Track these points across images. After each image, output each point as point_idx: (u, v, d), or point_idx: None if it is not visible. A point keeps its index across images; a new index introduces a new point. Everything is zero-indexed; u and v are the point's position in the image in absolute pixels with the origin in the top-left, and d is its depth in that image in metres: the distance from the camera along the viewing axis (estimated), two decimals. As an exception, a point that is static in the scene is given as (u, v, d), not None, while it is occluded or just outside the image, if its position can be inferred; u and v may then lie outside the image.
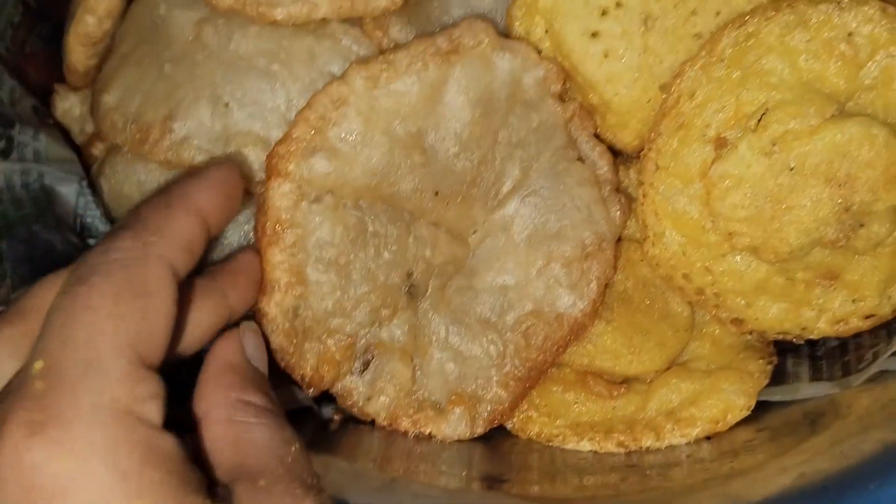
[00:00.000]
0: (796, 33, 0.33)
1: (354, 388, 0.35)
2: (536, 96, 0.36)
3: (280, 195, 0.31)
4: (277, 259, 0.31)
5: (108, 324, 0.23)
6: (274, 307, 0.31)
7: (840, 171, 0.32)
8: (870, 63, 0.32)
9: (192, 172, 0.29)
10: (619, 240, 0.37)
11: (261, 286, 0.31)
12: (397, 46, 0.34)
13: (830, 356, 0.37)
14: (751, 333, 0.37)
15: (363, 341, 0.34)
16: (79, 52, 0.37)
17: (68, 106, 0.39)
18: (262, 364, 0.29)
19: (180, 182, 0.28)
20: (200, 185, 0.28)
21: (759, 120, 0.33)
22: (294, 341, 0.32)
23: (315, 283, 0.32)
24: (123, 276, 0.24)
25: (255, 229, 0.32)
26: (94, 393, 0.22)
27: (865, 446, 0.30)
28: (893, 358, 0.33)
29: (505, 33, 0.37)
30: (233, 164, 0.31)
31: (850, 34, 0.32)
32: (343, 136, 0.32)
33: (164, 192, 0.27)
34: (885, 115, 0.33)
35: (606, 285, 0.36)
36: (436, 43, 0.33)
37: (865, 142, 0.32)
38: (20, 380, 0.22)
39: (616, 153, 0.38)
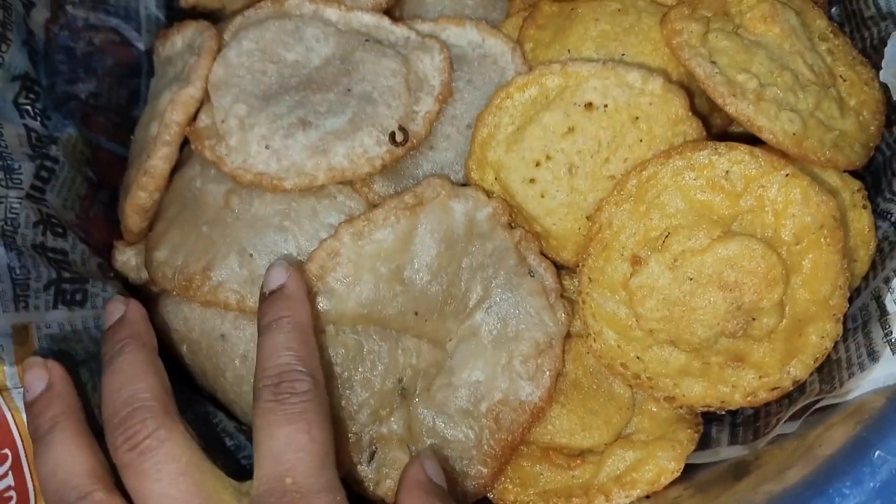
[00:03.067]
0: (686, 174, 0.42)
1: (364, 476, 0.44)
2: (489, 228, 0.45)
3: (292, 331, 0.41)
4: (292, 382, 0.40)
5: None
6: (292, 418, 0.40)
7: (730, 278, 0.41)
8: (745, 194, 0.41)
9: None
10: (569, 336, 0.46)
11: None
12: (376, 204, 0.44)
13: (746, 423, 0.45)
14: (681, 407, 0.45)
15: (367, 436, 0.43)
16: (134, 218, 0.47)
17: (126, 258, 0.48)
18: (441, 481, 0.39)
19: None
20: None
21: (664, 241, 0.42)
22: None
23: (324, 394, 0.41)
24: None
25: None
26: None
27: (787, 480, 0.38)
28: (786, 424, 0.41)
29: (464, 181, 0.47)
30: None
31: (727, 172, 0.41)
32: (338, 279, 0.42)
33: None
34: (761, 232, 0.42)
35: (558, 375, 0.45)
36: (404, 199, 0.43)
37: (747, 255, 0.41)
38: None
39: (560, 266, 0.47)
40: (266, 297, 0.40)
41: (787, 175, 0.41)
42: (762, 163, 0.41)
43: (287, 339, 0.38)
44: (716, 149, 0.41)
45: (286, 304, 0.39)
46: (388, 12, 0.53)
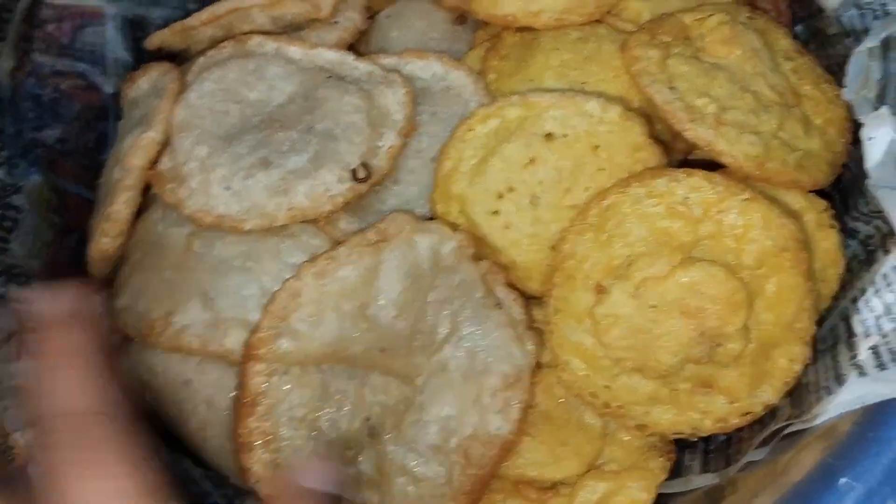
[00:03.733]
0: (645, 202, 0.42)
1: (334, 518, 0.43)
2: (455, 261, 0.45)
3: (253, 374, 0.40)
4: (252, 426, 0.40)
5: None
6: (255, 463, 0.40)
7: (692, 305, 0.41)
8: (705, 220, 0.41)
9: None
10: (539, 367, 0.46)
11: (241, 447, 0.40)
12: (338, 241, 0.44)
13: (719, 450, 0.44)
14: (653, 435, 0.45)
15: (336, 477, 0.43)
16: (98, 264, 0.47)
17: (93, 304, 0.48)
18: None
19: None
20: None
21: (626, 269, 0.42)
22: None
23: (289, 437, 0.41)
24: None
25: (235, 400, 0.41)
26: None
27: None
28: (756, 451, 0.41)
29: (430, 215, 0.47)
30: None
31: (686, 199, 0.41)
32: (301, 319, 0.42)
33: None
34: (723, 258, 0.41)
35: (528, 408, 0.45)
36: (367, 236, 0.43)
37: (707, 281, 0.41)
38: None
39: (528, 297, 0.47)
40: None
41: (745, 199, 0.41)
42: (720, 188, 0.41)
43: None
44: (674, 176, 0.41)
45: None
46: (353, 47, 0.53)
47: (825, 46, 0.52)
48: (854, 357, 0.39)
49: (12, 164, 0.48)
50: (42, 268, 0.48)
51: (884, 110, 0.43)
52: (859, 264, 0.44)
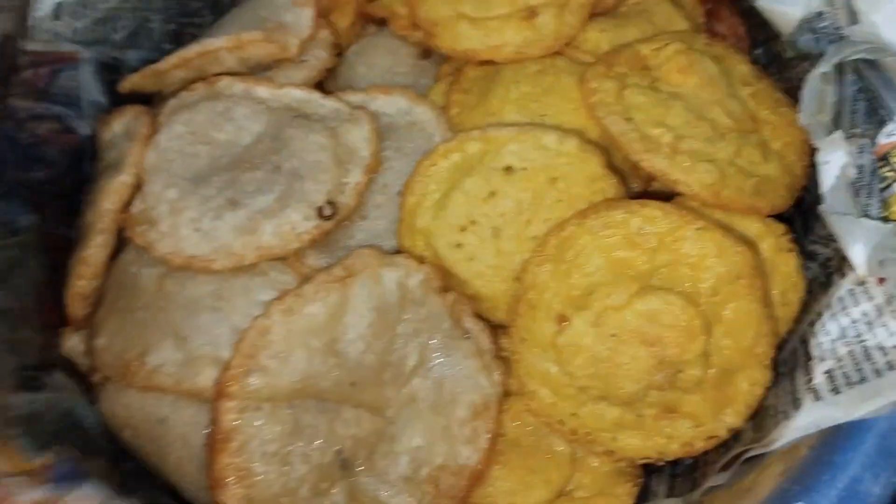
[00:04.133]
0: (602, 232, 0.43)
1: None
2: (422, 294, 0.46)
3: (225, 411, 0.41)
4: (226, 462, 0.41)
5: None
6: (230, 499, 0.41)
7: (650, 333, 0.42)
8: (660, 249, 0.42)
9: None
10: (508, 395, 0.47)
11: (215, 483, 0.41)
12: (306, 278, 0.45)
13: (685, 473, 0.45)
14: (621, 461, 0.45)
15: (309, 511, 0.44)
16: (75, 305, 0.48)
17: (72, 344, 0.49)
18: None
19: None
20: None
21: (586, 299, 0.43)
22: (252, 522, 0.41)
23: (262, 473, 0.42)
24: None
25: (208, 437, 0.42)
26: None
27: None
28: (719, 475, 0.41)
29: (397, 249, 0.48)
30: None
31: (641, 229, 0.42)
32: (271, 356, 0.43)
33: None
34: (679, 286, 0.42)
35: (496, 437, 0.45)
36: (333, 272, 0.44)
37: (664, 309, 0.41)
38: None
39: (497, 326, 0.47)
40: None
41: (698, 229, 0.41)
42: (673, 218, 0.42)
43: None
44: (629, 207, 0.42)
45: None
46: (322, 83, 0.54)
47: (784, 70, 0.53)
48: (810, 381, 0.40)
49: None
50: (32, 308, 0.49)
51: (837, 135, 0.44)
52: (819, 287, 0.45)
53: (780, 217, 0.47)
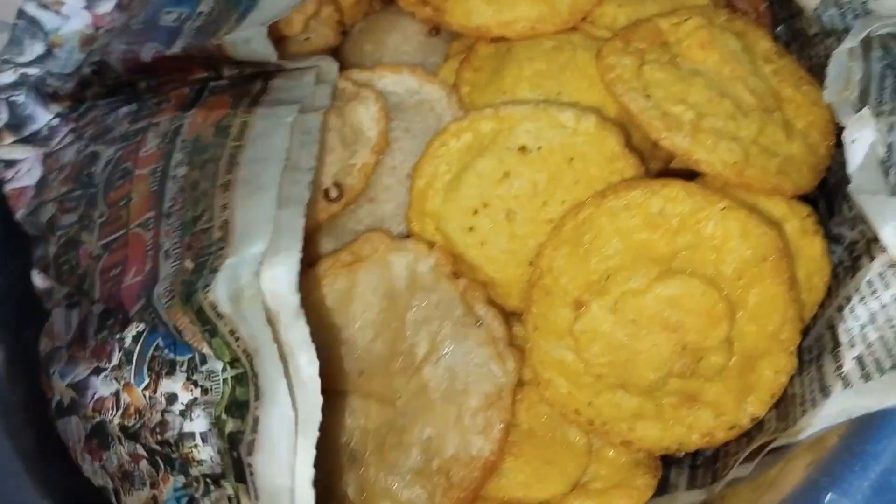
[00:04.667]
0: (621, 214, 0.41)
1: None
2: (432, 279, 0.44)
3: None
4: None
5: None
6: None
7: (671, 318, 0.40)
8: (682, 231, 0.40)
9: None
10: (522, 384, 0.45)
11: None
12: (311, 263, 0.43)
13: (705, 465, 0.44)
14: (639, 452, 0.44)
15: None
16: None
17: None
18: None
19: None
20: None
21: (604, 284, 0.41)
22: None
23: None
24: None
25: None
26: None
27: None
28: (742, 467, 0.40)
29: (407, 233, 0.46)
30: None
31: (662, 210, 0.40)
32: (275, 344, 0.41)
33: None
34: (702, 270, 0.40)
35: (509, 427, 0.44)
36: (340, 258, 0.42)
37: (686, 294, 0.40)
38: None
39: (510, 313, 0.46)
40: None
41: (722, 209, 0.40)
42: (696, 198, 0.40)
43: None
44: (649, 187, 0.40)
45: None
46: (327, 63, 0.52)
47: (807, 47, 0.51)
48: (839, 368, 0.38)
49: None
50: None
51: (865, 112, 0.42)
52: (845, 271, 0.43)
53: (803, 199, 0.46)
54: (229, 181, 0.35)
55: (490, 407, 0.43)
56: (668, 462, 0.45)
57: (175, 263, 0.35)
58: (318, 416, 0.32)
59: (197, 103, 0.42)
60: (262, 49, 0.40)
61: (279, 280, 0.32)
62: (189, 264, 0.34)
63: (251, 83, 0.43)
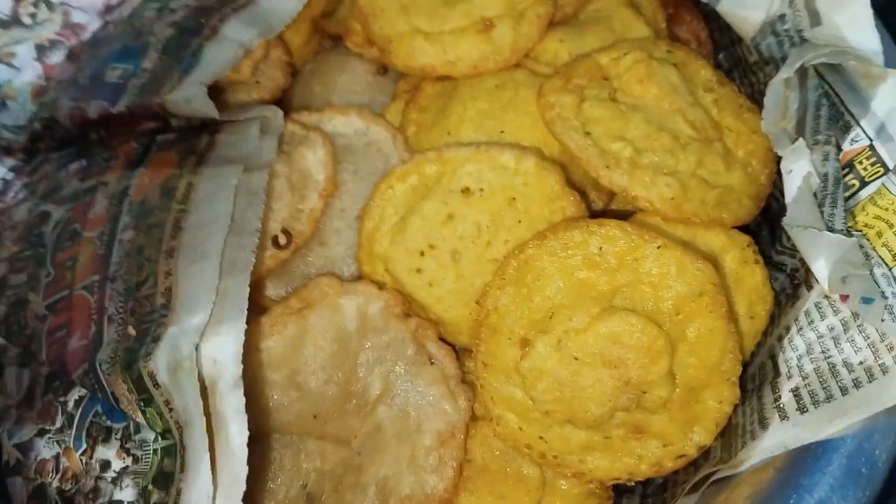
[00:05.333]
0: (562, 254, 0.42)
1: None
2: (383, 320, 0.45)
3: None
4: None
5: None
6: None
7: (613, 355, 0.41)
8: (621, 269, 0.41)
9: None
10: (476, 419, 0.46)
11: None
12: (263, 311, 0.44)
13: (655, 493, 0.44)
14: (591, 482, 0.45)
15: (274, 547, 0.43)
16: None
17: None
18: None
19: None
20: None
21: (548, 322, 0.42)
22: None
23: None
24: None
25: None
26: None
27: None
28: (688, 497, 0.41)
29: (357, 275, 0.47)
30: None
31: (600, 249, 0.41)
32: (227, 394, 0.42)
33: None
34: (641, 306, 0.41)
35: (463, 464, 0.44)
36: (290, 304, 0.43)
37: (627, 330, 0.41)
38: None
39: (461, 348, 0.46)
40: None
41: (658, 247, 0.41)
42: (633, 237, 0.41)
43: None
44: (587, 227, 0.41)
45: None
46: (279, 103, 0.53)
47: (748, 74, 0.52)
48: (777, 399, 0.39)
49: None
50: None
51: (800, 143, 0.43)
52: (787, 299, 0.44)
53: (746, 227, 0.47)
54: (173, 248, 0.36)
55: (443, 445, 0.44)
56: (620, 491, 0.46)
57: (119, 329, 0.35)
58: (243, 486, 0.33)
59: (144, 160, 0.43)
60: (203, 108, 0.41)
61: (222, 349, 0.33)
62: (132, 331, 0.34)
63: (198, 137, 0.44)
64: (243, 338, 0.34)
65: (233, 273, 0.35)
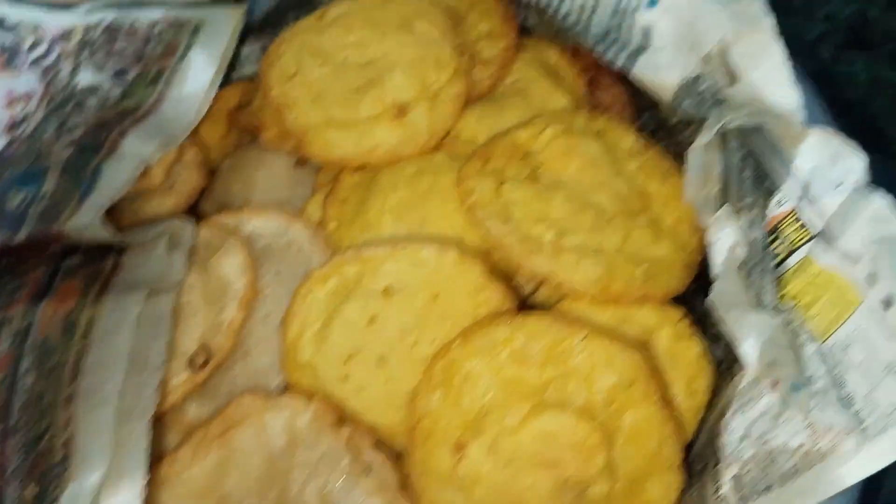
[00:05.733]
0: (488, 352, 0.40)
1: None
2: (314, 433, 0.43)
3: None
4: None
5: None
6: None
7: (547, 455, 0.39)
8: (549, 363, 0.40)
9: None
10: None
11: None
12: (186, 435, 0.42)
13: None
14: (544, 582, 0.43)
15: None
16: None
17: None
18: None
19: None
20: None
21: (480, 424, 0.40)
22: None
23: None
24: None
25: None
26: None
27: None
28: None
29: (286, 385, 0.45)
30: None
31: (525, 345, 0.40)
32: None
33: None
34: (572, 400, 0.40)
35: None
36: (210, 429, 0.41)
37: (559, 428, 0.39)
38: None
39: (400, 452, 0.45)
40: None
41: (583, 339, 0.39)
42: (557, 330, 0.39)
43: None
44: (512, 322, 0.40)
45: None
46: (196, 205, 0.52)
47: (672, 135, 0.51)
48: (717, 490, 0.38)
49: None
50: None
51: (723, 211, 0.42)
52: (723, 373, 0.43)
53: (682, 297, 0.45)
54: (72, 394, 0.34)
55: (383, 561, 0.42)
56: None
57: (19, 487, 0.33)
58: None
59: (50, 290, 0.41)
60: (101, 235, 0.39)
61: (120, 509, 0.31)
62: (32, 489, 0.32)
63: (103, 259, 0.42)
64: (143, 495, 0.32)
65: (131, 419, 0.33)
